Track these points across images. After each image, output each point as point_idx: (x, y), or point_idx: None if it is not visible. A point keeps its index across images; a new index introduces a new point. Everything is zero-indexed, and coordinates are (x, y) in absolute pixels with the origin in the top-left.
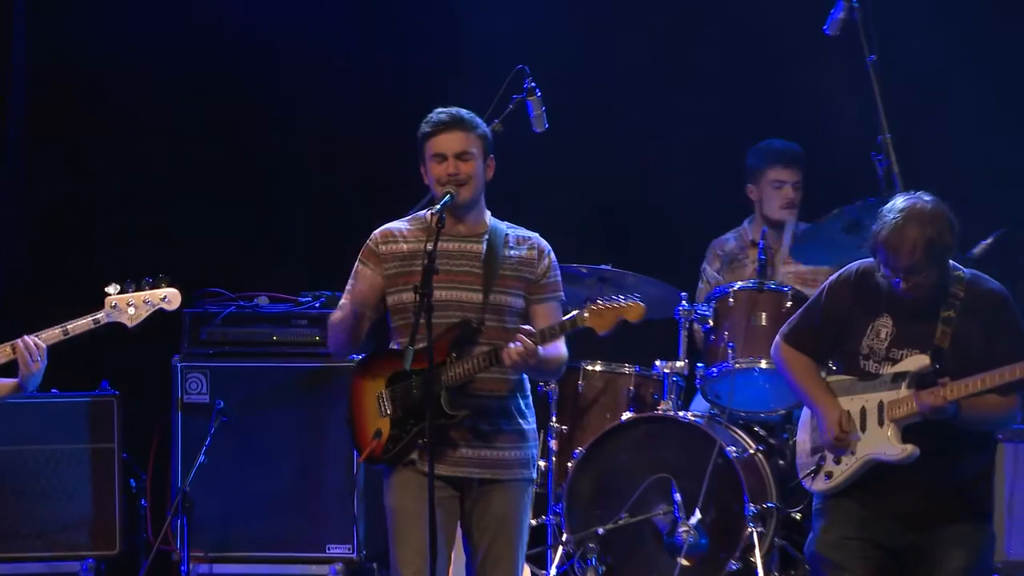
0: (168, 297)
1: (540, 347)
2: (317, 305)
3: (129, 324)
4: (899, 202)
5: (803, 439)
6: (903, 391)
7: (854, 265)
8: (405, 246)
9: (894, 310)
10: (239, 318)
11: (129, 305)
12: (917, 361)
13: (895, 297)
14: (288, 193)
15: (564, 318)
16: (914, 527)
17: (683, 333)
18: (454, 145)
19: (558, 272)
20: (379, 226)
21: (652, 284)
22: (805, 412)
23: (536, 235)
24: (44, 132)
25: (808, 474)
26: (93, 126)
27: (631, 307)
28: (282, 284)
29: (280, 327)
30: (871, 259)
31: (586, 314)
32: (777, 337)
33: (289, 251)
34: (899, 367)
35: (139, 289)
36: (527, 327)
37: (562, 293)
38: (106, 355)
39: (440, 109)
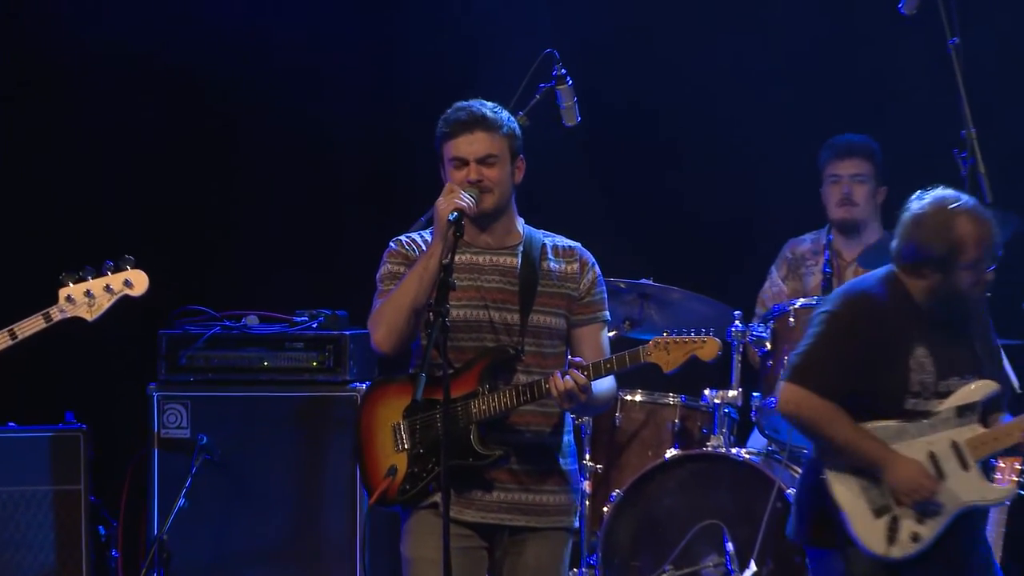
0: (132, 280)
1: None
2: (315, 325)
3: (89, 317)
4: (945, 194)
5: (849, 502)
6: (977, 426)
7: (872, 284)
8: None
9: (926, 337)
10: (225, 340)
11: (87, 295)
12: (982, 389)
13: (924, 321)
14: (282, 199)
15: (626, 352)
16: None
17: (737, 358)
18: (476, 148)
19: (603, 288)
20: (387, 236)
21: (700, 301)
22: (836, 475)
23: (579, 245)
24: (10, 127)
25: (875, 541)
26: (60, 120)
27: (706, 343)
28: (274, 302)
29: (272, 351)
30: (880, 275)
31: (650, 348)
32: (786, 383)
33: (283, 264)
34: (958, 399)
35: (99, 275)
36: (579, 359)
37: (607, 313)
38: (72, 383)
39: (459, 104)
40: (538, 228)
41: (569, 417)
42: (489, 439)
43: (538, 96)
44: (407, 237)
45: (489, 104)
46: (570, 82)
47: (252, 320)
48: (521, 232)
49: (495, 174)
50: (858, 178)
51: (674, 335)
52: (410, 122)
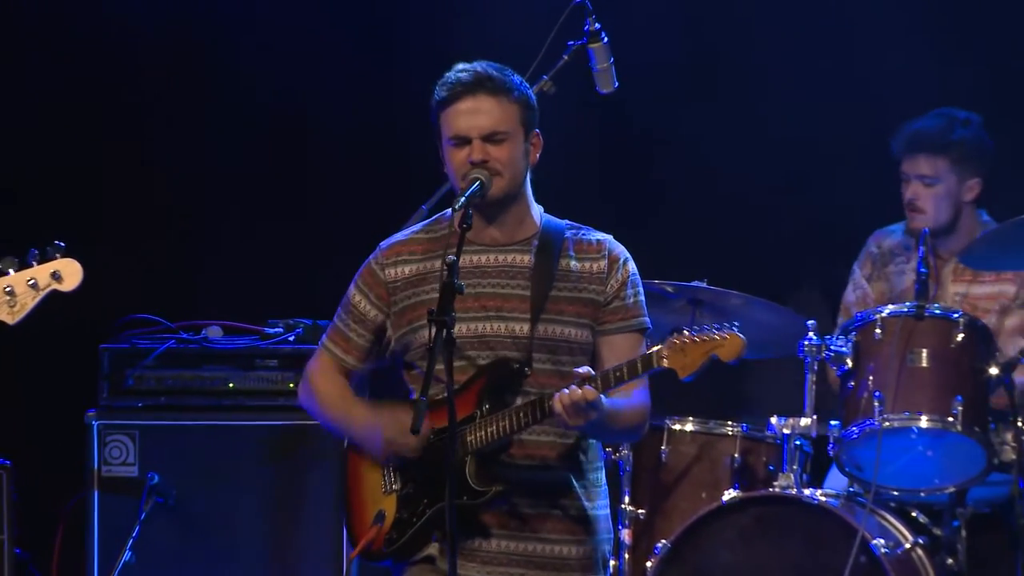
0: (61, 272)
1: (603, 395)
2: (291, 339)
3: (10, 320)
4: None
5: None
6: None
7: None
8: (417, 266)
9: None
10: (181, 357)
11: (7, 292)
12: None
13: None
14: (251, 184)
15: (638, 358)
16: None
17: (811, 378)
18: (480, 120)
19: (640, 289)
20: (378, 232)
21: (766, 309)
22: None
23: (609, 238)
24: None
25: None
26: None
27: (726, 341)
28: (241, 309)
29: (240, 369)
30: None
31: (664, 351)
32: None
33: (252, 264)
34: None
35: (22, 267)
36: (583, 368)
37: (647, 319)
38: None
39: (461, 65)
40: (563, 219)
41: (596, 448)
42: (490, 474)
43: (566, 57)
44: (392, 244)
45: (496, 67)
46: (605, 39)
47: (215, 332)
48: (537, 223)
49: (504, 154)
50: (926, 180)
51: (693, 332)
52: (405, 92)
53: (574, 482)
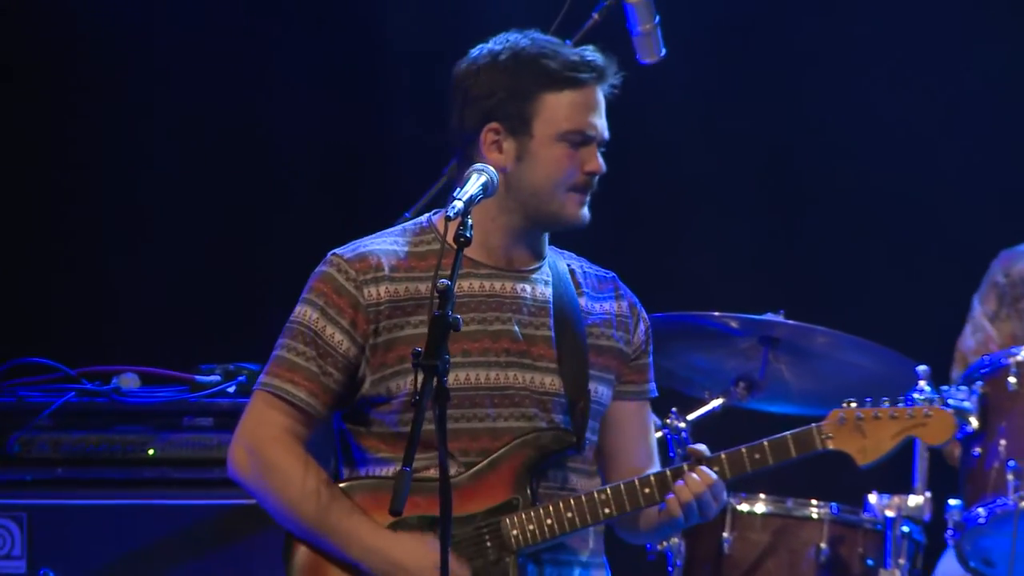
0: None
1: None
2: (231, 389)
3: None
4: None
5: None
6: None
7: None
8: (404, 286)
9: None
10: (84, 415)
11: None
12: None
13: None
14: (174, 197)
15: (788, 435)
16: None
17: (922, 442)
18: (603, 124)
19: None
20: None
21: (861, 350)
22: None
23: (613, 273)
24: None
25: None
26: None
27: (930, 418)
28: (165, 350)
29: (163, 430)
30: None
31: (829, 428)
32: None
33: (177, 295)
34: None
35: None
36: (700, 446)
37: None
38: None
39: (550, 38)
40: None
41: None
42: None
43: (595, 16)
44: (359, 252)
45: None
46: None
47: (129, 381)
48: (545, 248)
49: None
50: None
51: (868, 405)
52: (380, 72)
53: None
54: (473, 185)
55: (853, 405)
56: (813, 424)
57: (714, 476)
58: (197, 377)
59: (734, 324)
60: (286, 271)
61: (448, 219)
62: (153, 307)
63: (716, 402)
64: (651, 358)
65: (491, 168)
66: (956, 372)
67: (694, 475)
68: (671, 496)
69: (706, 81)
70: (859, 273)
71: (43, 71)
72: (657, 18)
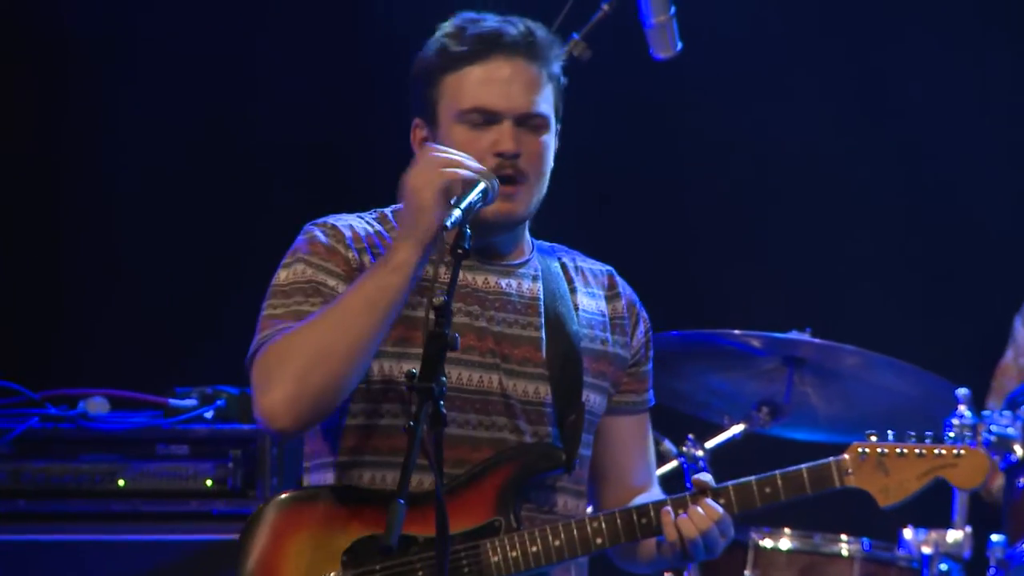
0: None
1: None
2: (208, 415)
3: None
4: None
5: None
6: None
7: None
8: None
9: None
10: (49, 442)
11: None
12: None
13: None
14: (148, 202)
15: (803, 469)
16: None
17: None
18: (518, 93)
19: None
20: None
21: (895, 371)
22: None
23: (610, 268)
24: None
25: None
26: None
27: (961, 458)
28: (136, 373)
29: (134, 459)
30: None
31: (850, 464)
32: None
33: (149, 312)
34: None
35: None
36: (706, 476)
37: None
38: None
39: (473, 14)
40: (591, 244)
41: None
42: None
43: (605, 7)
44: (346, 220)
45: (533, 22)
46: None
47: (98, 405)
48: (529, 243)
49: (540, 149)
50: None
51: (892, 440)
52: (366, 72)
53: None
54: (473, 192)
55: (875, 439)
56: (832, 458)
57: (720, 510)
58: (171, 401)
59: (756, 343)
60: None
61: (445, 229)
62: (124, 325)
63: (736, 428)
64: (651, 364)
65: (490, 173)
66: (992, 401)
67: (699, 508)
68: (672, 529)
69: (730, 85)
70: (892, 288)
71: (11, 86)
72: (673, 9)
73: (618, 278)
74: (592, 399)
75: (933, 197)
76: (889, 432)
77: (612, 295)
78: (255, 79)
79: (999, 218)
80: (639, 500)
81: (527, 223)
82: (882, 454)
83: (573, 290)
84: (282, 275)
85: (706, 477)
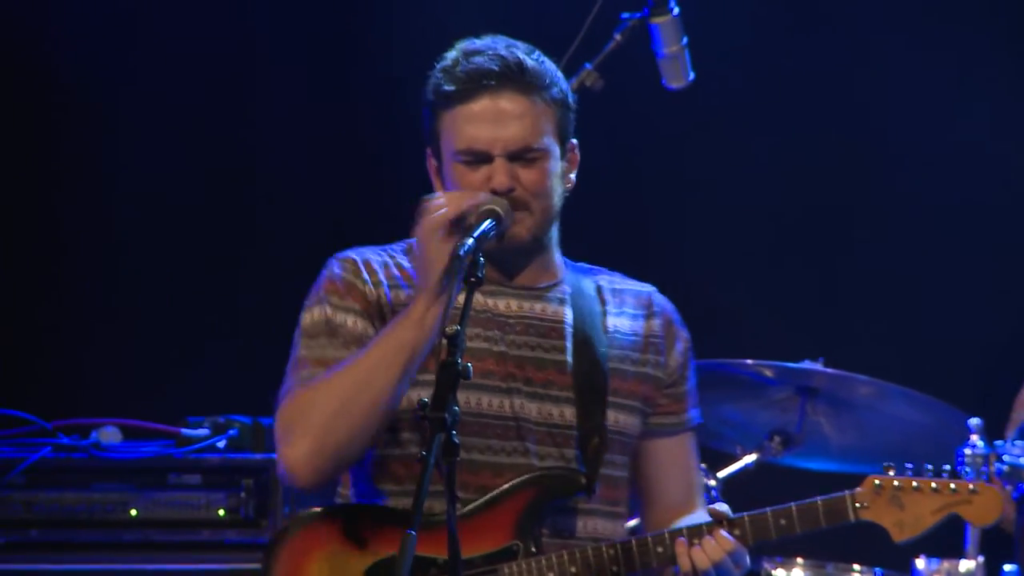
0: None
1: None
2: (221, 444)
3: None
4: None
5: None
6: None
7: None
8: (407, 292)
9: None
10: (61, 472)
11: None
12: None
13: None
14: (160, 231)
15: (818, 501)
16: None
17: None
18: (507, 130)
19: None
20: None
21: (908, 401)
22: None
23: (654, 289)
24: None
25: None
26: None
27: (976, 495)
28: (149, 402)
29: (146, 489)
30: None
31: (864, 497)
32: None
33: (162, 341)
34: None
35: None
36: (722, 507)
37: (699, 412)
38: None
39: (472, 44)
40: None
41: None
42: None
43: (618, 37)
44: (363, 257)
45: (525, 48)
46: (675, 10)
47: (110, 435)
48: (559, 267)
49: (538, 179)
50: None
51: (909, 473)
52: (374, 88)
53: None
54: (485, 222)
55: (892, 472)
56: (847, 492)
57: (733, 541)
58: (183, 430)
59: (768, 373)
60: (280, 318)
61: (459, 258)
62: (137, 354)
63: (749, 458)
64: (692, 382)
65: (502, 200)
66: (1010, 431)
67: (712, 539)
68: (686, 559)
69: (742, 115)
70: (905, 317)
71: (10, 102)
72: (685, 39)
73: (656, 297)
74: (621, 420)
75: (946, 227)
76: (907, 465)
77: (649, 314)
78: (254, 86)
79: (1014, 248)
80: (682, 522)
81: (552, 247)
82: (897, 488)
83: (605, 312)
84: (306, 318)
85: (723, 507)
